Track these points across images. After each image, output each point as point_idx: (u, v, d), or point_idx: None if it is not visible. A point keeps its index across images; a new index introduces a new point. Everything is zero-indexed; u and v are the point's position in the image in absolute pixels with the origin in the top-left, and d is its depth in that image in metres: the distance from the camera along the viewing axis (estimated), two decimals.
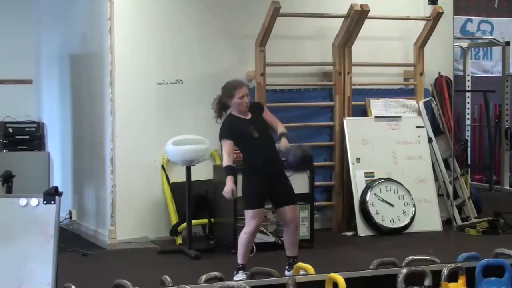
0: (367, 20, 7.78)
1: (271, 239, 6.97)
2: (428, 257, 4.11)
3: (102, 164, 7.62)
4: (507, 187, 9.79)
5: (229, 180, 5.71)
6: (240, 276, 5.72)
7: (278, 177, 5.89)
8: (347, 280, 3.57)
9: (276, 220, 7.03)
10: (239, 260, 5.84)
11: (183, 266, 6.44)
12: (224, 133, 5.90)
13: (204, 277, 3.74)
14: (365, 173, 7.79)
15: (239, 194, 5.97)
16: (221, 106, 6.02)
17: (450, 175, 8.10)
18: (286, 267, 5.85)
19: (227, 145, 5.83)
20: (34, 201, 3.52)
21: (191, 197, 6.92)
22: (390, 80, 8.40)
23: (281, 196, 5.90)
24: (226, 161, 5.77)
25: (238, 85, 5.96)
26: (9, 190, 6.87)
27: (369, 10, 7.72)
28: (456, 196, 8.10)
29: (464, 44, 10.08)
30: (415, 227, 7.75)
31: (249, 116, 5.93)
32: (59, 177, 8.80)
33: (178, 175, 7.27)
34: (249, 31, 7.59)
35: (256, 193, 5.84)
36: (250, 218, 5.82)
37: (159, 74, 7.51)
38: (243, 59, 7.65)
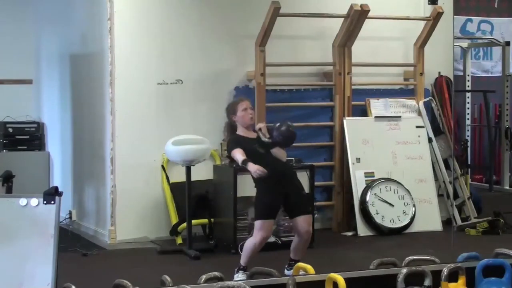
0: (367, 20, 7.78)
1: (271, 239, 6.96)
2: (428, 257, 4.11)
3: (102, 164, 7.62)
4: (507, 187, 9.80)
5: (250, 165, 5.64)
6: (240, 276, 5.72)
7: (290, 187, 5.85)
8: (347, 280, 3.58)
9: (276, 220, 7.03)
10: (242, 261, 5.83)
11: (183, 266, 6.44)
12: (232, 146, 5.86)
13: (204, 277, 3.74)
14: (365, 173, 7.79)
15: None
16: (231, 128, 6.02)
17: (450, 175, 8.10)
18: (286, 266, 5.85)
19: (238, 150, 5.76)
20: (34, 201, 3.52)
21: (191, 197, 6.92)
22: (390, 80, 8.40)
23: (295, 206, 5.85)
24: (241, 158, 5.71)
25: (239, 100, 6.07)
26: (9, 190, 6.86)
27: (369, 10, 7.72)
28: (456, 196, 8.10)
29: (464, 44, 10.09)
30: (415, 227, 7.75)
31: (254, 135, 5.89)
32: (59, 177, 8.80)
33: (178, 175, 7.27)
34: (249, 31, 7.59)
35: (266, 204, 5.80)
36: (258, 229, 5.78)
37: (159, 74, 7.51)
38: (243, 59, 7.65)
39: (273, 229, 7.04)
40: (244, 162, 5.70)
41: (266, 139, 5.80)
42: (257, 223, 5.79)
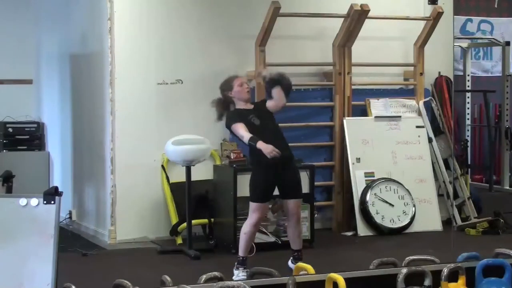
0: (367, 20, 7.78)
1: (271, 239, 6.97)
2: (428, 257, 4.11)
3: (102, 164, 7.62)
4: (507, 187, 9.80)
5: (261, 143, 5.60)
6: (240, 275, 5.72)
7: (285, 167, 5.86)
8: (347, 280, 3.58)
9: (276, 220, 7.04)
10: (240, 252, 5.86)
11: (183, 266, 6.44)
12: (232, 119, 5.85)
13: (204, 277, 3.74)
14: (365, 173, 7.79)
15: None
16: (222, 104, 6.01)
17: (450, 175, 8.10)
18: (291, 258, 5.87)
19: (240, 126, 5.75)
20: (34, 201, 3.52)
21: (191, 197, 6.92)
22: (390, 80, 8.40)
23: (287, 188, 5.91)
24: (247, 135, 5.68)
25: (234, 76, 6.07)
26: (9, 190, 6.87)
27: (369, 10, 7.72)
28: (456, 196, 8.10)
29: (464, 44, 10.08)
30: (415, 227, 7.75)
31: (251, 106, 5.94)
32: (59, 177, 8.80)
33: (178, 175, 7.27)
34: (249, 31, 7.59)
35: (262, 187, 5.84)
36: (253, 211, 5.85)
37: (159, 74, 7.51)
38: (243, 59, 7.65)
39: (273, 229, 7.06)
40: (253, 139, 5.63)
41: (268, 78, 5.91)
42: (253, 205, 5.84)
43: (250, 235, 5.88)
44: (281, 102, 5.95)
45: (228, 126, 5.93)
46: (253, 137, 5.66)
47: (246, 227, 5.89)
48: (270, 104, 5.97)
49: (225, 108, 6.00)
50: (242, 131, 5.73)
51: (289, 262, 5.77)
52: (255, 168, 5.90)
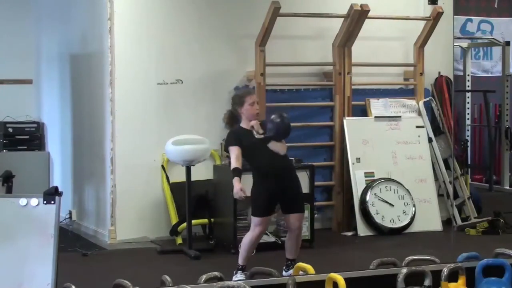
0: (367, 20, 7.78)
1: (271, 239, 6.97)
2: (428, 257, 4.11)
3: (102, 164, 7.62)
4: (507, 187, 9.81)
5: (235, 181, 5.68)
6: (239, 276, 5.71)
7: (288, 184, 5.85)
8: (347, 280, 3.57)
9: (276, 220, 7.04)
10: (240, 261, 5.84)
11: (183, 266, 6.44)
12: (230, 141, 5.85)
13: (204, 277, 3.74)
14: (365, 173, 7.79)
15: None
16: (232, 117, 5.98)
17: (450, 175, 8.10)
18: (284, 268, 5.83)
19: (235, 150, 5.77)
20: (34, 201, 3.51)
21: (191, 197, 6.92)
22: (390, 80, 8.40)
23: (289, 203, 5.87)
24: (234, 164, 5.74)
25: (248, 92, 6.03)
26: (9, 190, 6.87)
27: (369, 10, 7.72)
28: (456, 196, 8.10)
29: (464, 44, 10.09)
30: (415, 227, 7.75)
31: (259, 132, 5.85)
32: (59, 177, 8.80)
33: (178, 175, 7.27)
34: (249, 31, 7.59)
35: (264, 201, 5.80)
36: (255, 225, 5.80)
37: (159, 74, 7.51)
38: (243, 59, 7.66)
39: (273, 229, 7.06)
40: (234, 171, 5.70)
41: (259, 135, 5.79)
42: (255, 220, 5.81)
43: (251, 247, 5.85)
44: (280, 152, 5.86)
45: (226, 149, 5.98)
46: (236, 170, 5.70)
47: (247, 239, 5.84)
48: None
49: (235, 122, 5.96)
50: (233, 156, 5.75)
51: (283, 272, 5.73)
52: (256, 181, 5.87)
